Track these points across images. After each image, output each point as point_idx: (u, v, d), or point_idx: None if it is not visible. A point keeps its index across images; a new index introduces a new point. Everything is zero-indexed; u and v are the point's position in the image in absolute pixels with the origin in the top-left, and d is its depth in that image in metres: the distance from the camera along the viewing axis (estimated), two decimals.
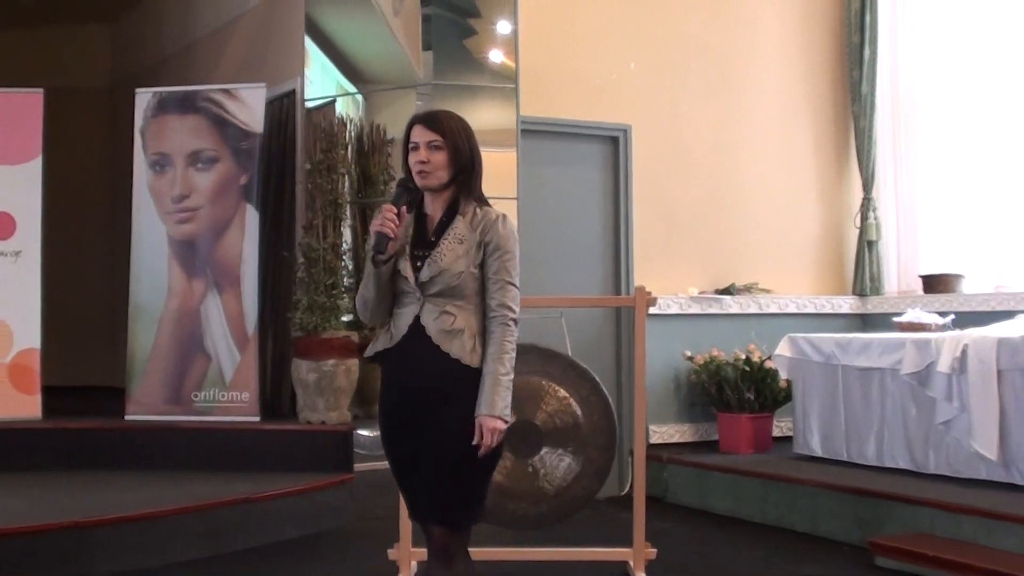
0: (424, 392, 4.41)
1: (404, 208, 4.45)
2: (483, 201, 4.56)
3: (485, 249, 4.43)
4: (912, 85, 10.75)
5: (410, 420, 4.44)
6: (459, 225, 4.45)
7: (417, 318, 4.41)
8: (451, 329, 4.37)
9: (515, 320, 4.45)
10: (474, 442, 4.31)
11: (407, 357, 4.45)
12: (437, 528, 4.45)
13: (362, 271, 9.25)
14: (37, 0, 14.52)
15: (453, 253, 4.39)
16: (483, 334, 4.44)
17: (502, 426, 4.35)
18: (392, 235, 4.35)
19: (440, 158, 4.43)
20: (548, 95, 9.58)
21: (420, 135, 4.45)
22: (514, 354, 4.42)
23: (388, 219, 4.34)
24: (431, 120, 4.48)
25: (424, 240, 4.48)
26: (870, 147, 10.71)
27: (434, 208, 4.53)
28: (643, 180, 10.07)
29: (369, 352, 4.60)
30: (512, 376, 4.40)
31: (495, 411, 4.33)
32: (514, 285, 4.47)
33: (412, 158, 4.46)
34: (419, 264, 4.42)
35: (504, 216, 4.52)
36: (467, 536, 4.52)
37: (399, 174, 9.48)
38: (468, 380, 4.38)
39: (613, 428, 6.84)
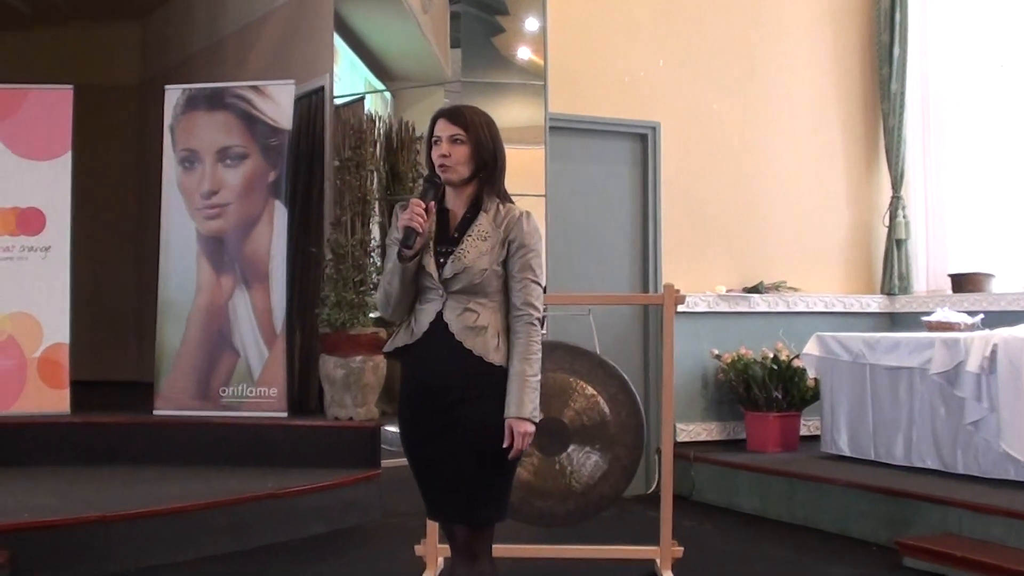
0: (446, 389, 4.37)
1: (432, 203, 4.42)
2: (506, 198, 4.54)
3: (509, 247, 4.40)
4: (942, 83, 10.71)
5: (432, 418, 4.41)
6: (483, 222, 4.42)
7: (440, 314, 4.38)
8: (474, 326, 4.35)
9: (540, 319, 4.42)
10: (505, 444, 4.30)
11: (428, 353, 4.41)
12: (460, 527, 4.45)
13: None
14: None
15: (476, 250, 4.36)
16: (506, 332, 4.41)
17: (532, 428, 4.33)
18: (420, 230, 4.32)
19: (462, 152, 4.40)
20: (576, 92, 9.58)
21: (443, 129, 4.43)
22: (540, 354, 4.40)
23: (417, 213, 4.30)
24: (454, 114, 4.46)
25: (447, 236, 4.45)
26: (899, 145, 10.67)
27: (455, 204, 4.50)
28: (671, 178, 10.06)
29: (388, 347, 4.57)
30: (539, 376, 4.38)
31: (524, 413, 4.30)
32: (538, 283, 4.44)
33: (434, 152, 4.44)
34: (442, 260, 4.39)
35: (528, 213, 4.48)
36: (490, 535, 4.51)
37: (426, 171, 9.57)
38: (491, 377, 4.35)
39: (641, 426, 6.83)
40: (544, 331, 4.45)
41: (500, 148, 4.51)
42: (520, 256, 4.40)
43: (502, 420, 4.31)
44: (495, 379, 4.35)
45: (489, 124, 4.50)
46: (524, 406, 4.30)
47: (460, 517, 4.44)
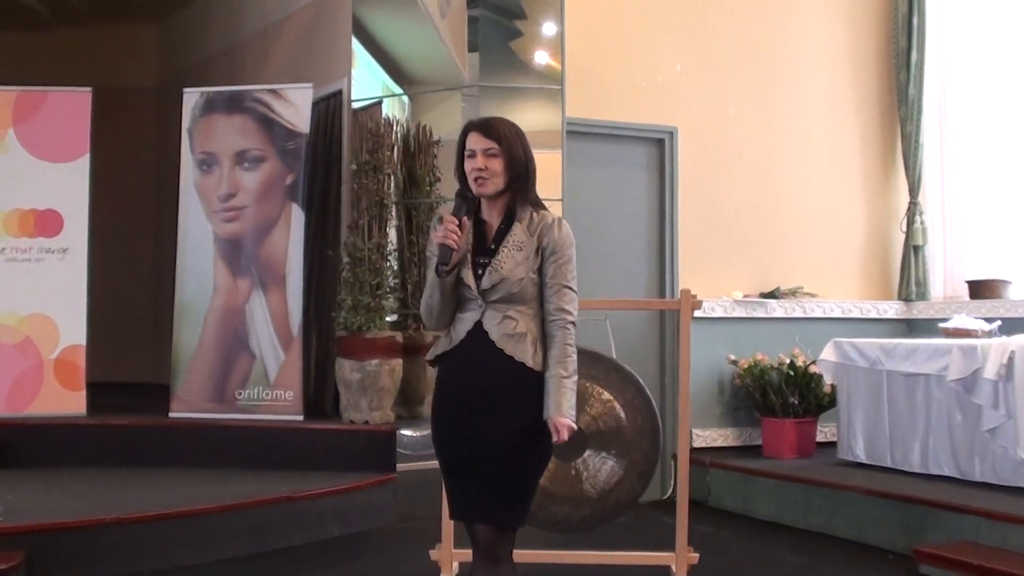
0: (485, 393, 4.46)
1: (465, 219, 4.49)
2: (539, 205, 4.63)
3: (543, 254, 4.50)
4: (960, 89, 10.69)
5: (468, 421, 4.48)
6: (517, 231, 4.52)
7: (479, 323, 4.48)
8: (514, 333, 4.46)
9: (573, 323, 4.53)
10: (555, 440, 4.44)
11: (468, 360, 4.51)
12: (485, 528, 4.49)
13: (407, 271, 9.33)
14: (86, 0, 14.61)
15: (512, 260, 4.46)
16: (543, 338, 4.52)
17: (572, 424, 4.45)
18: (455, 247, 4.40)
19: (497, 165, 4.48)
20: (594, 97, 9.57)
21: (476, 142, 4.51)
22: (575, 356, 4.51)
23: (451, 231, 4.39)
24: (487, 127, 4.53)
25: (484, 247, 4.54)
26: (917, 151, 10.65)
27: (491, 215, 4.59)
28: (689, 182, 10.05)
29: (430, 356, 4.66)
30: (575, 379, 4.50)
31: (562, 413, 4.42)
32: (571, 289, 4.55)
33: (468, 165, 4.52)
34: (480, 272, 4.48)
35: (560, 220, 4.58)
36: (512, 538, 4.55)
37: (445, 175, 9.60)
38: (529, 382, 4.47)
39: (657, 432, 6.82)
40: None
41: (531, 158, 4.60)
42: (553, 262, 4.51)
43: (538, 423, 4.44)
44: (533, 384, 4.47)
45: (520, 135, 4.59)
46: (562, 406, 4.43)
47: (488, 517, 4.49)
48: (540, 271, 4.52)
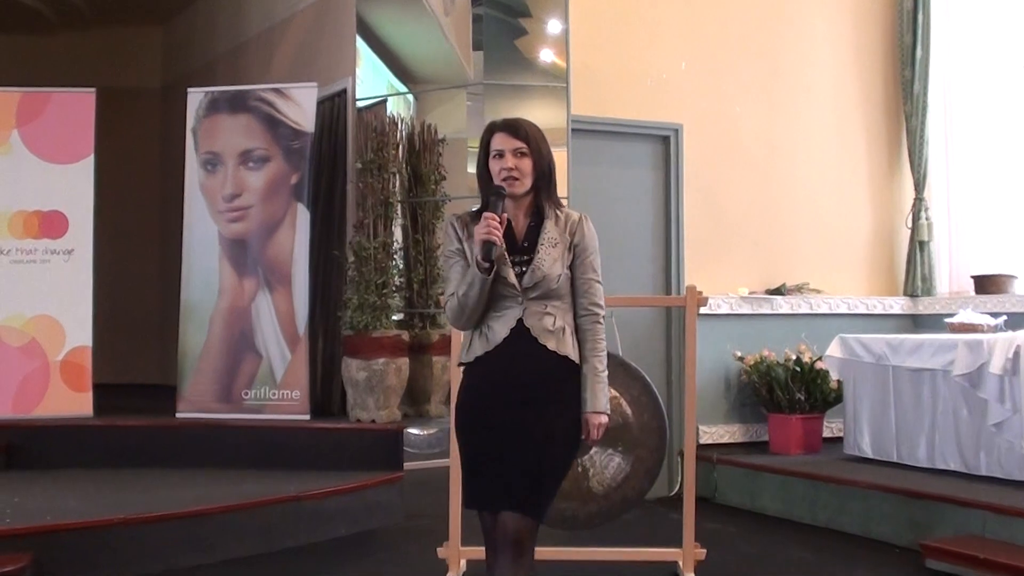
0: (527, 387, 4.54)
1: (504, 215, 4.54)
2: (560, 203, 4.74)
3: (574, 250, 4.63)
4: (965, 85, 10.68)
5: (508, 412, 4.53)
6: (549, 229, 4.63)
7: (520, 320, 4.55)
8: (553, 328, 4.57)
9: (603, 316, 4.69)
10: (584, 436, 4.58)
11: (510, 358, 4.57)
12: (514, 518, 4.51)
13: (412, 270, 9.33)
14: (90, 1, 14.63)
15: (551, 257, 4.58)
16: (574, 330, 4.66)
17: (606, 420, 4.63)
18: (499, 242, 4.45)
19: (526, 165, 4.59)
20: (599, 94, 9.58)
21: (504, 142, 4.60)
22: (606, 351, 4.71)
23: (494, 227, 4.43)
24: (514, 128, 4.63)
25: (515, 246, 4.62)
26: (922, 147, 10.65)
27: (515, 213, 4.67)
28: (694, 180, 10.05)
29: (467, 359, 4.69)
30: (607, 371, 4.68)
31: (599, 407, 4.60)
32: (600, 283, 4.71)
33: (496, 165, 4.61)
34: (523, 269, 4.57)
35: (586, 216, 4.72)
36: (536, 530, 4.59)
37: (450, 173, 9.59)
38: (572, 375, 4.61)
39: (663, 428, 6.83)
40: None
41: (552, 157, 4.72)
42: (583, 258, 4.67)
43: (577, 414, 4.59)
44: (573, 376, 4.62)
45: (543, 135, 4.71)
46: (599, 401, 4.60)
47: (518, 505, 4.52)
48: (571, 267, 4.63)
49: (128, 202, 14.43)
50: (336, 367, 9.63)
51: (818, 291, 10.37)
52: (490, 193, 4.59)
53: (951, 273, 10.77)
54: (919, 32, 10.67)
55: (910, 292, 10.74)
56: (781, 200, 10.46)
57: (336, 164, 10.21)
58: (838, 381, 9.38)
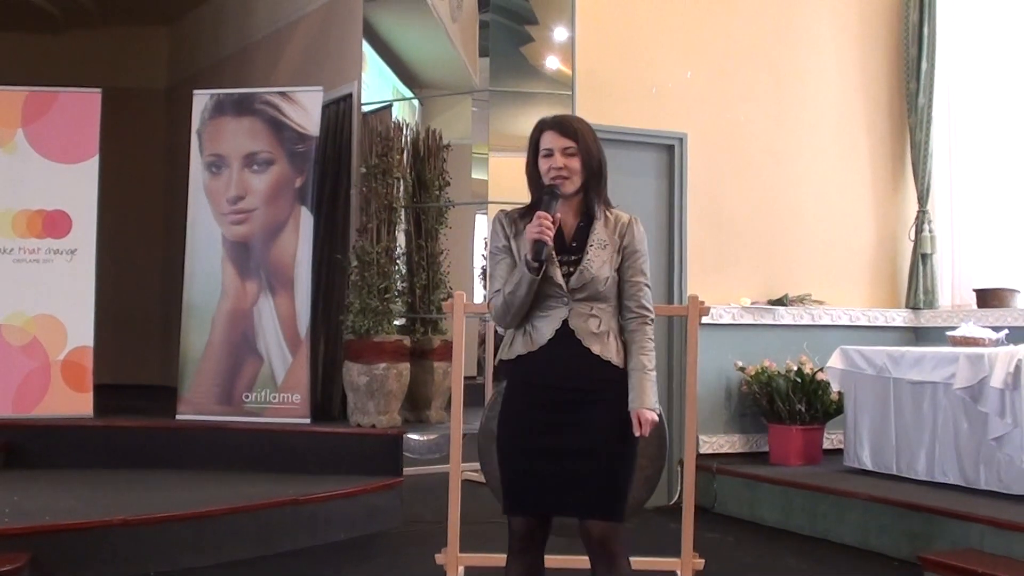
0: (573, 392, 4.54)
1: (557, 215, 4.52)
2: (610, 204, 4.72)
3: (623, 252, 4.61)
4: (969, 98, 10.68)
5: (555, 416, 4.53)
6: (599, 231, 4.61)
7: (565, 321, 4.53)
8: (598, 331, 4.56)
9: (652, 318, 4.66)
10: (636, 433, 4.52)
11: (554, 359, 4.56)
12: (598, 526, 4.55)
13: (415, 275, 9.33)
14: (97, 2, 14.64)
15: (599, 259, 4.56)
16: (620, 333, 4.62)
17: (656, 416, 4.55)
18: (551, 242, 4.45)
19: (575, 163, 4.57)
20: (604, 102, 9.57)
21: (553, 141, 4.57)
22: (654, 352, 4.64)
23: (546, 227, 4.42)
24: (564, 126, 4.60)
25: (564, 246, 4.60)
26: (926, 160, 10.65)
27: (564, 213, 4.63)
28: (698, 189, 10.04)
29: (508, 355, 4.68)
30: (655, 373, 4.63)
31: (648, 403, 4.54)
32: (648, 286, 4.68)
33: (545, 164, 4.59)
34: (571, 270, 4.55)
35: (635, 218, 4.70)
36: (624, 533, 4.62)
37: (454, 179, 9.60)
38: (617, 379, 4.58)
39: (663, 437, 6.81)
40: None
41: (603, 156, 4.68)
42: (632, 260, 4.64)
43: (625, 417, 4.54)
44: (618, 380, 4.58)
45: (593, 134, 4.66)
46: (647, 396, 4.55)
47: (599, 513, 4.55)
48: (619, 269, 4.61)
49: (132, 203, 14.44)
50: (337, 371, 9.64)
51: (820, 302, 10.37)
52: (543, 192, 4.57)
53: (953, 286, 10.77)
54: (924, 45, 10.67)
55: (912, 305, 10.74)
56: (784, 210, 10.46)
57: (340, 168, 10.22)
58: (839, 393, 9.37)
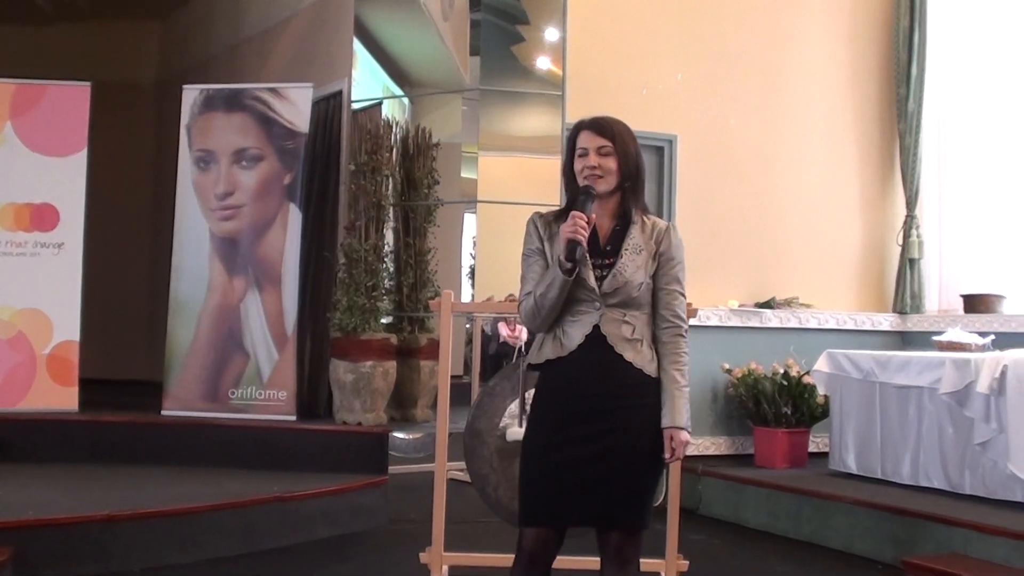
0: (603, 397, 4.42)
1: (592, 215, 4.41)
2: (647, 209, 4.62)
3: (659, 259, 4.49)
4: (959, 104, 10.70)
5: (586, 424, 4.42)
6: (635, 235, 4.50)
7: (596, 327, 4.43)
8: (631, 338, 4.43)
9: (687, 330, 4.54)
10: (665, 455, 4.41)
11: (584, 365, 4.44)
12: (617, 535, 4.50)
13: (403, 274, 9.32)
14: None
15: (634, 264, 4.44)
16: (653, 341, 4.51)
17: (688, 437, 4.44)
18: (584, 242, 4.33)
19: (611, 163, 4.46)
20: (594, 103, 9.48)
21: (589, 140, 4.49)
22: (689, 364, 4.53)
23: (581, 226, 4.31)
24: (600, 126, 4.52)
25: (598, 249, 4.50)
26: (915, 165, 10.66)
27: (600, 215, 4.52)
28: (687, 191, 10.06)
29: (537, 359, 4.56)
30: (689, 387, 4.51)
31: (680, 422, 4.41)
32: (684, 295, 4.55)
33: (580, 163, 4.50)
34: (603, 273, 4.44)
35: (674, 226, 4.57)
36: (640, 542, 4.57)
37: (443, 178, 9.60)
38: (649, 388, 4.45)
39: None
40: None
41: (642, 159, 4.59)
42: (668, 268, 4.51)
43: (656, 427, 4.42)
44: (651, 389, 4.45)
45: (632, 135, 4.57)
46: (680, 415, 4.43)
47: (621, 522, 4.50)
48: (654, 276, 4.50)
49: (120, 197, 14.42)
50: (323, 369, 9.63)
51: (807, 305, 10.38)
52: (579, 192, 4.48)
53: (940, 291, 10.79)
54: (915, 51, 10.69)
55: (899, 309, 10.75)
56: (773, 214, 10.47)
57: (329, 165, 10.23)
58: (825, 396, 9.38)
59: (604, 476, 4.41)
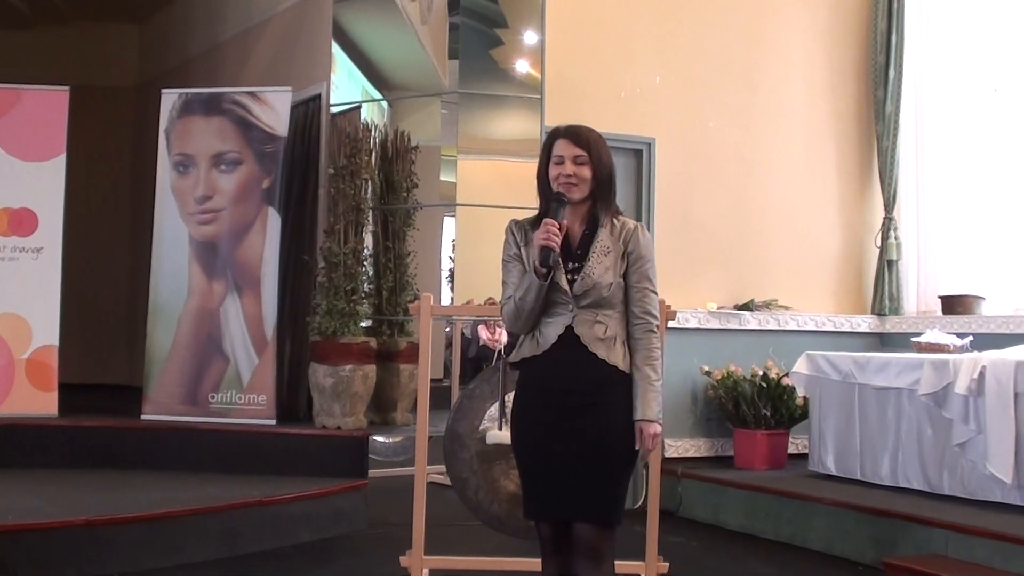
0: (577, 394, 4.55)
1: (564, 222, 4.58)
2: (617, 212, 4.74)
3: (628, 259, 4.62)
4: (936, 106, 10.73)
5: (561, 420, 4.55)
6: (603, 237, 4.63)
7: (570, 327, 4.56)
8: (604, 337, 4.56)
9: (658, 326, 4.65)
10: (636, 446, 4.54)
11: (559, 363, 4.58)
12: (586, 528, 4.57)
13: (382, 277, 9.33)
14: None
15: (602, 266, 4.57)
16: (627, 340, 4.62)
17: (659, 429, 4.58)
18: (557, 248, 4.49)
19: (585, 172, 4.61)
20: (573, 106, 9.56)
21: (565, 149, 4.63)
22: (661, 359, 4.63)
23: (552, 233, 4.47)
24: (576, 135, 4.66)
25: (571, 253, 4.63)
26: (893, 167, 10.68)
27: (572, 221, 4.66)
28: (666, 193, 10.06)
29: (515, 358, 4.74)
30: (662, 381, 4.63)
31: (650, 415, 4.54)
32: (655, 292, 4.69)
33: (555, 170, 4.63)
34: (573, 277, 4.58)
35: (641, 225, 4.71)
36: (614, 538, 4.63)
37: (422, 181, 9.59)
38: (621, 384, 4.58)
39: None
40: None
41: (613, 165, 4.74)
42: (638, 267, 4.64)
43: (629, 423, 4.56)
44: (624, 385, 4.58)
45: (604, 143, 4.73)
46: (650, 408, 4.55)
47: (588, 516, 4.57)
48: (625, 276, 4.61)
49: (99, 202, 14.41)
50: (303, 372, 9.62)
51: (786, 307, 10.40)
52: (551, 199, 4.62)
53: (919, 293, 10.81)
54: (892, 53, 10.72)
55: (878, 311, 10.77)
56: (752, 216, 10.48)
57: (308, 169, 10.22)
58: (804, 398, 9.40)
59: (577, 470, 4.52)
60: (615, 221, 4.66)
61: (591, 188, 4.62)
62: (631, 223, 4.69)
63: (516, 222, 4.75)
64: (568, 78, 9.57)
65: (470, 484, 6.54)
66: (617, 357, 4.55)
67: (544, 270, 4.48)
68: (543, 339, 4.60)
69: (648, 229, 9.64)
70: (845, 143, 11.00)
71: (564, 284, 4.56)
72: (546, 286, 4.51)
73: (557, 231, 4.47)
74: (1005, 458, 7.55)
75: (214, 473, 8.74)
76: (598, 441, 4.50)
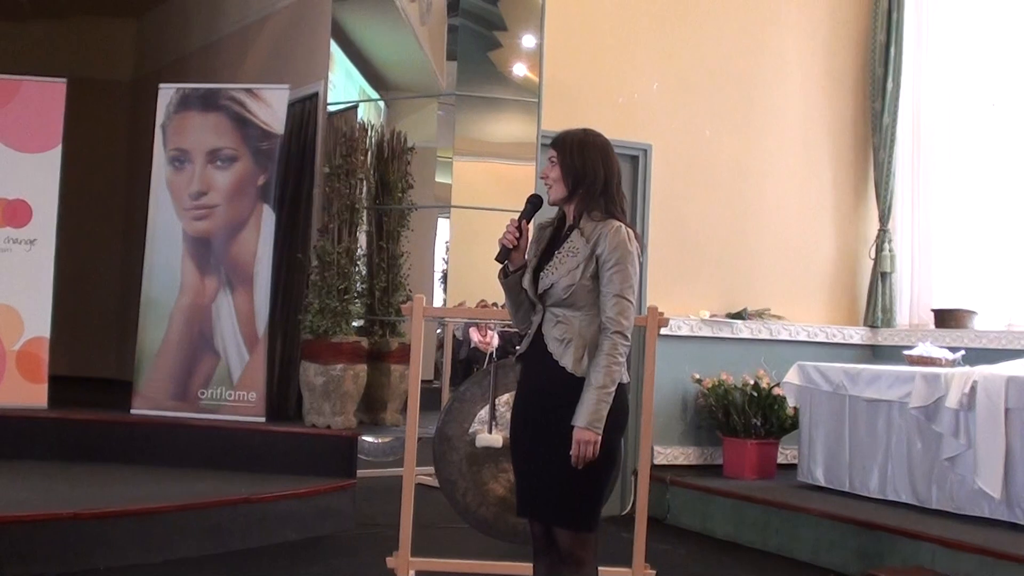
0: (538, 397, 4.59)
1: (526, 222, 4.64)
2: (611, 214, 4.63)
3: (597, 261, 4.53)
4: (933, 119, 10.73)
5: (530, 422, 4.62)
6: (574, 238, 4.59)
7: (540, 327, 4.60)
8: (562, 338, 4.54)
9: (620, 332, 4.49)
10: (571, 452, 4.42)
11: (528, 363, 4.69)
12: (564, 533, 4.57)
13: (375, 277, 9.35)
14: None
15: (564, 267, 4.54)
16: (594, 344, 4.52)
17: (592, 437, 4.40)
18: (510, 246, 4.56)
19: (555, 172, 4.63)
20: (570, 110, 9.54)
21: (549, 152, 4.69)
22: (618, 367, 4.48)
23: (509, 231, 4.57)
24: (556, 137, 4.72)
25: (549, 253, 4.66)
26: (888, 179, 10.69)
27: (567, 222, 4.71)
28: (660, 200, 10.06)
29: (517, 356, 4.82)
30: (611, 389, 4.46)
31: (580, 422, 4.40)
32: (622, 297, 4.50)
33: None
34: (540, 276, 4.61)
35: (617, 227, 4.55)
36: (593, 543, 4.61)
37: (417, 181, 9.61)
38: (574, 389, 4.48)
39: (614, 451, 6.81)
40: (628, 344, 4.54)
41: (592, 167, 4.64)
42: (604, 270, 4.54)
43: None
44: (576, 390, 4.48)
45: (581, 144, 4.67)
46: (582, 414, 4.41)
47: (555, 519, 4.60)
48: (597, 278, 4.54)
49: (93, 195, 14.38)
50: (294, 371, 9.60)
51: (779, 317, 10.40)
52: (528, 199, 4.73)
53: (912, 305, 10.81)
54: (891, 65, 10.72)
55: (870, 323, 10.78)
56: (746, 225, 10.49)
57: (304, 167, 10.20)
58: (794, 408, 9.40)
59: (549, 472, 4.54)
60: (595, 223, 4.58)
61: (566, 187, 4.61)
62: (611, 224, 4.55)
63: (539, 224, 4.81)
64: (566, 82, 9.57)
65: (458, 486, 6.55)
66: (570, 360, 4.48)
67: (502, 267, 4.61)
68: (526, 338, 4.68)
69: (642, 235, 9.70)
70: (841, 154, 11.01)
71: (526, 284, 4.62)
72: (509, 284, 4.65)
73: (515, 229, 4.56)
74: (994, 473, 7.55)
75: (202, 469, 8.73)
76: (559, 445, 4.45)
